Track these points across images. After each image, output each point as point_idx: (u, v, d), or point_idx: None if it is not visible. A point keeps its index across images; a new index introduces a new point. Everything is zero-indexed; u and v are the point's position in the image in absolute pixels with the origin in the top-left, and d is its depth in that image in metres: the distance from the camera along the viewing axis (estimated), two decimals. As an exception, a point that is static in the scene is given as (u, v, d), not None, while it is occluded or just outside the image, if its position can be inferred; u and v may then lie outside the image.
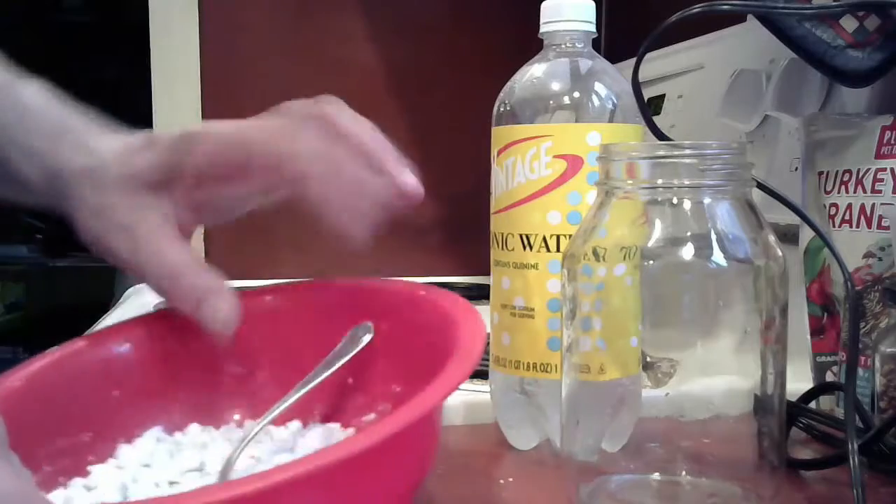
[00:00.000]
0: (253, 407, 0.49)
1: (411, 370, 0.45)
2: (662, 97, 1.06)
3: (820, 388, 0.58)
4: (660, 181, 0.42)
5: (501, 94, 0.54)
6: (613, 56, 0.64)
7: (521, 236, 0.52)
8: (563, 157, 0.51)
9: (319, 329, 0.50)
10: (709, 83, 0.96)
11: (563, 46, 0.54)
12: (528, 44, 0.57)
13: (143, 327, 0.50)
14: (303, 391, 0.46)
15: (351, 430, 0.48)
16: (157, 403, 0.49)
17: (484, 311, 0.57)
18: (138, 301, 0.97)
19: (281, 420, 0.48)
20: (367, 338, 0.48)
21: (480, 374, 0.66)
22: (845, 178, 0.61)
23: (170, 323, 0.49)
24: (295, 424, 0.49)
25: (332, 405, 0.50)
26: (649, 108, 0.56)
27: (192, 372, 0.50)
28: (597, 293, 0.45)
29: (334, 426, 0.48)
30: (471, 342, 0.41)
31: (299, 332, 0.51)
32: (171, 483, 0.43)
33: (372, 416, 0.49)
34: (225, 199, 0.48)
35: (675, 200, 0.42)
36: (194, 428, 0.49)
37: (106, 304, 1.29)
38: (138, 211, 0.46)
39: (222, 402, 0.50)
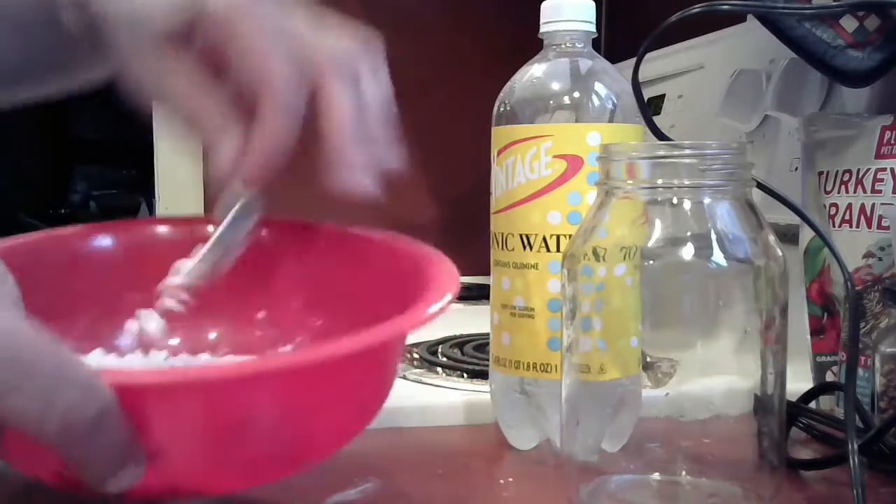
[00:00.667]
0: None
1: (336, 303, 0.45)
2: (662, 97, 1.06)
3: (820, 388, 0.58)
4: (660, 181, 0.42)
5: (501, 94, 0.54)
6: (613, 56, 0.64)
7: (521, 236, 0.52)
8: (563, 157, 0.51)
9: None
10: (709, 83, 0.96)
11: (563, 46, 0.54)
12: (528, 44, 0.57)
13: (47, 247, 0.49)
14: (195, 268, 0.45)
15: None
16: (59, 325, 0.48)
17: (484, 311, 0.57)
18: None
19: (192, 351, 0.47)
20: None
21: (480, 374, 0.66)
22: (845, 178, 0.61)
23: (70, 244, 0.49)
24: (205, 356, 0.48)
25: (241, 339, 0.49)
26: (649, 108, 0.56)
27: (92, 296, 0.49)
28: (597, 293, 0.45)
29: (248, 359, 0.48)
30: (437, 269, 0.41)
31: None
32: None
33: (288, 347, 0.48)
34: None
35: (675, 200, 0.42)
36: (98, 353, 0.48)
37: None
38: (164, 60, 0.46)
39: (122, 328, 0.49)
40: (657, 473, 0.46)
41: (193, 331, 0.48)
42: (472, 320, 0.84)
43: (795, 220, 0.56)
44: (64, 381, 0.30)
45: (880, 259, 0.58)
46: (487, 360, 0.56)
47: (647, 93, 1.02)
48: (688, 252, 0.43)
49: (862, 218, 0.59)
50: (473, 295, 1.16)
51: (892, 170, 0.58)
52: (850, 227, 0.60)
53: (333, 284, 0.45)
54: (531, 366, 0.52)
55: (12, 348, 0.29)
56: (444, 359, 0.73)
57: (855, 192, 0.60)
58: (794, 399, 0.54)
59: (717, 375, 0.45)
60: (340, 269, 0.47)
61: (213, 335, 0.49)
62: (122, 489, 0.32)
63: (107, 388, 0.31)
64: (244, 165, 0.45)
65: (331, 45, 0.46)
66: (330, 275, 0.45)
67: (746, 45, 0.89)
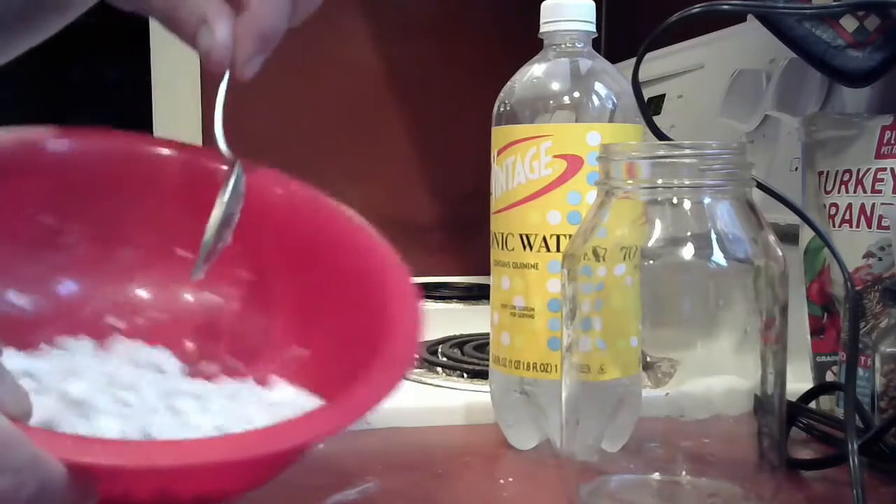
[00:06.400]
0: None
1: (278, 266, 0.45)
2: (662, 97, 1.06)
3: (820, 388, 0.58)
4: (660, 181, 0.42)
5: (501, 94, 0.54)
6: (613, 56, 0.64)
7: (521, 236, 0.52)
8: (563, 157, 0.51)
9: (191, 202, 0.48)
10: (709, 83, 0.96)
11: (563, 46, 0.54)
12: (528, 44, 0.57)
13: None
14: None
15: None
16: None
17: (484, 311, 0.57)
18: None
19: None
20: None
21: (480, 374, 0.66)
22: (845, 178, 0.61)
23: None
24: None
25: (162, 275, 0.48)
26: (649, 108, 0.56)
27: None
28: (597, 293, 0.45)
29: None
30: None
31: (172, 203, 0.48)
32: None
33: (218, 299, 0.48)
34: None
35: (675, 200, 0.42)
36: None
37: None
38: None
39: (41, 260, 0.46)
40: (657, 473, 0.46)
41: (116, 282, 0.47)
42: (472, 320, 0.84)
43: (795, 220, 0.56)
44: None
45: (880, 259, 0.58)
46: (487, 360, 0.56)
47: (647, 93, 1.02)
48: (688, 252, 0.43)
49: (862, 218, 0.59)
50: (473, 295, 1.16)
51: (892, 170, 0.58)
52: (850, 227, 0.60)
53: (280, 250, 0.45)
54: (531, 366, 0.52)
55: None
56: (444, 359, 0.73)
57: (855, 192, 0.60)
58: (794, 399, 0.54)
59: (717, 375, 0.45)
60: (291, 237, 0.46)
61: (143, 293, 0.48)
62: None
63: (50, 463, 0.30)
64: (237, 51, 0.44)
65: None
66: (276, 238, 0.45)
67: (746, 45, 0.89)
